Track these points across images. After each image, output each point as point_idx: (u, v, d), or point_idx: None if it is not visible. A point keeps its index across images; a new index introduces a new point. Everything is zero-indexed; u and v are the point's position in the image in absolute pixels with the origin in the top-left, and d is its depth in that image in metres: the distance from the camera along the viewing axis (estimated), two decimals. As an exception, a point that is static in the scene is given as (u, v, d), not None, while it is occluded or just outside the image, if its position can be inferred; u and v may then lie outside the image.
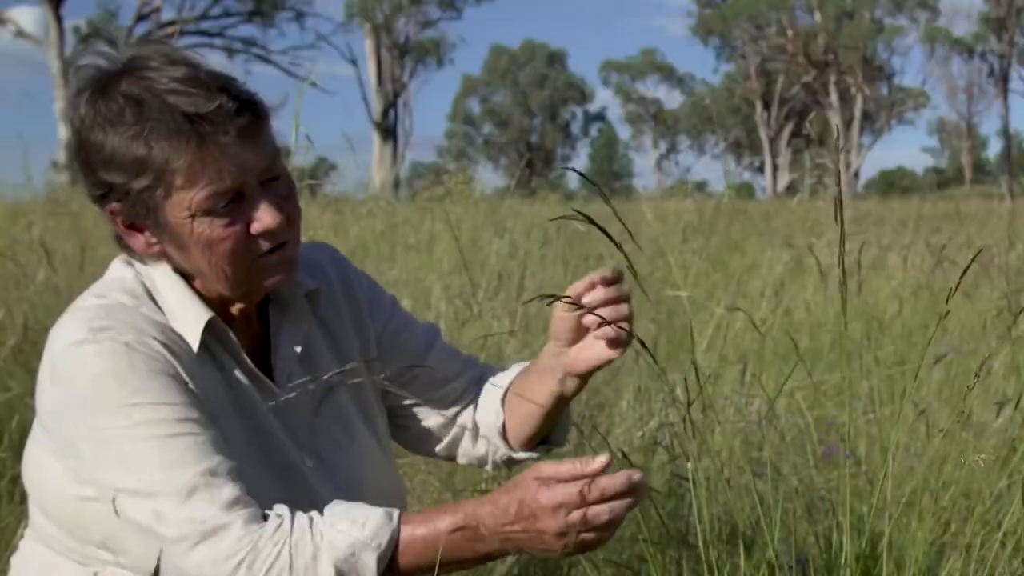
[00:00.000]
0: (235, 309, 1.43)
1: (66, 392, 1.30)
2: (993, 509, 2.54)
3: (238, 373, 1.41)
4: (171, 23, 36.91)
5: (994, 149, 70.14)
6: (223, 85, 1.32)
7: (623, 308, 1.40)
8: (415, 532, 1.26)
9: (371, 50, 44.55)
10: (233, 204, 1.32)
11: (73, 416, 1.29)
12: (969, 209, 10.14)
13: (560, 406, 1.55)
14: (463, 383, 1.64)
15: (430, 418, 1.64)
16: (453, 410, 1.64)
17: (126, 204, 1.33)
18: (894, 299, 4.87)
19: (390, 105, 44.26)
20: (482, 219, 7.05)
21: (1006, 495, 2.65)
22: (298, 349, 1.48)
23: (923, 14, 49.62)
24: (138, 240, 1.37)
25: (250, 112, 1.33)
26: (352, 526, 1.24)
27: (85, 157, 1.33)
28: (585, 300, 1.39)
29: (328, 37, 57.83)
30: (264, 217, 1.34)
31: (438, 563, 1.24)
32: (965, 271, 1.44)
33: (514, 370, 1.63)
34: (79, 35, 36.43)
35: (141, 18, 36.86)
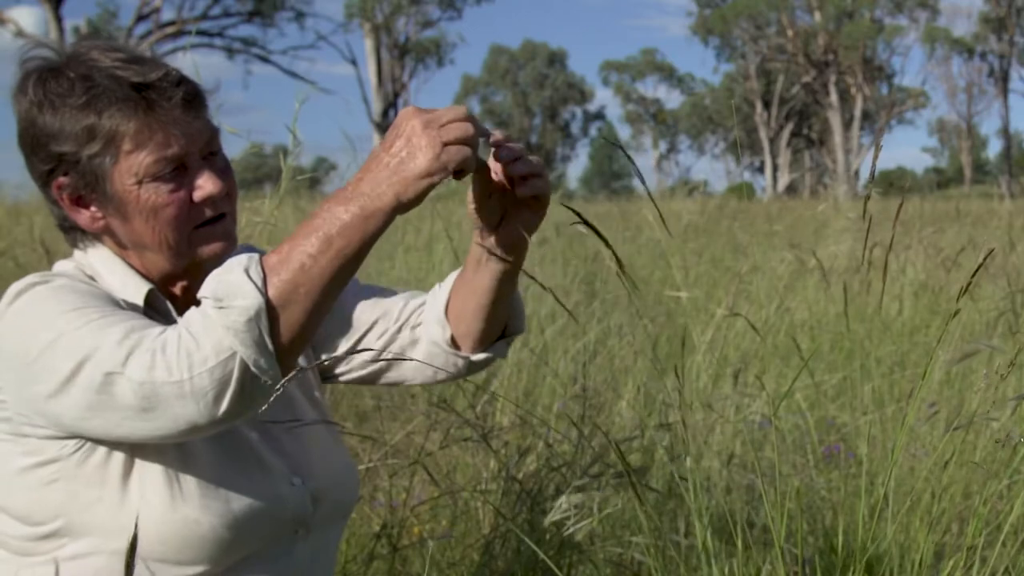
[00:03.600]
0: (177, 290, 1.48)
1: (7, 333, 1.32)
2: (995, 510, 2.54)
3: None
4: (171, 23, 36.92)
5: (994, 149, 70.19)
6: (164, 63, 1.41)
7: (533, 161, 1.38)
8: (280, 247, 1.25)
9: (371, 50, 44.56)
10: (177, 172, 1.39)
11: (18, 348, 1.30)
12: (969, 209, 10.14)
13: (508, 287, 1.52)
14: (395, 311, 1.64)
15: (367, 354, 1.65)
16: (387, 336, 1.64)
17: (74, 175, 1.39)
18: (895, 300, 4.87)
19: (390, 105, 44.27)
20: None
21: (1007, 495, 2.65)
22: None
23: (923, 14, 49.63)
24: (83, 216, 1.42)
25: (191, 85, 1.41)
26: (212, 275, 1.24)
27: (34, 136, 1.39)
28: (500, 156, 1.35)
29: (328, 37, 57.84)
30: (207, 184, 1.40)
31: (319, 254, 1.22)
32: (975, 273, 1.44)
33: (448, 280, 1.60)
34: (79, 35, 36.36)
35: (141, 18, 36.85)
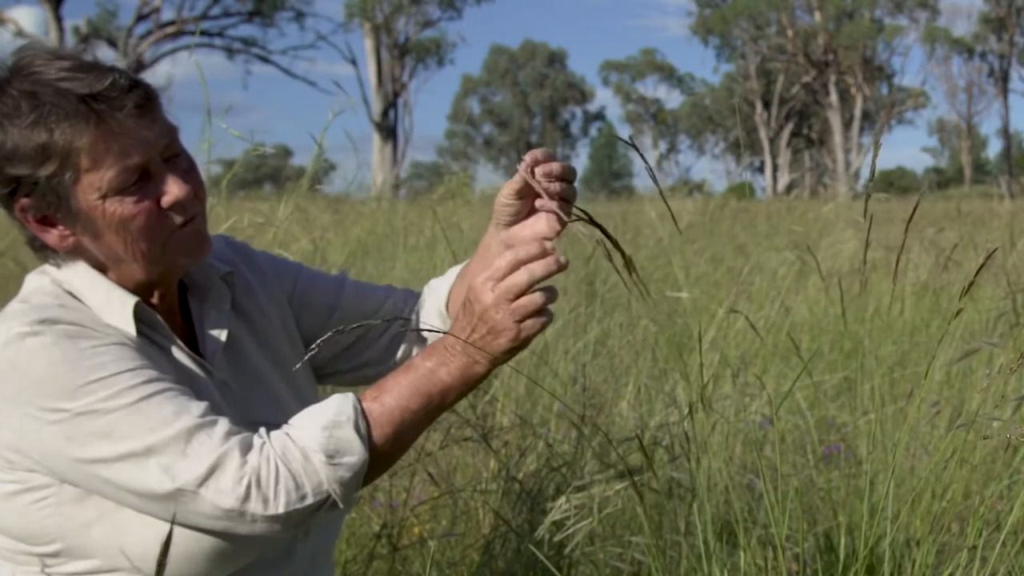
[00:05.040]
0: (155, 299, 1.45)
1: (11, 385, 1.28)
2: (995, 510, 2.54)
3: (177, 353, 1.43)
4: (171, 23, 36.91)
5: (994, 149, 70.23)
6: (111, 67, 1.35)
7: (567, 187, 1.42)
8: (381, 397, 1.33)
9: (371, 50, 44.54)
10: (141, 182, 1.35)
11: (24, 407, 1.27)
12: (970, 209, 10.14)
13: None
14: (390, 305, 1.68)
15: (367, 354, 1.68)
16: (388, 335, 1.68)
17: (35, 197, 1.34)
18: (895, 300, 4.86)
19: (390, 105, 44.25)
20: (480, 221, 7.05)
21: (1007, 495, 2.65)
22: (224, 335, 1.50)
23: (923, 14, 49.64)
24: (51, 235, 1.38)
25: (142, 89, 1.35)
26: (315, 418, 1.30)
27: None
28: (538, 171, 1.38)
29: (328, 37, 57.87)
30: (173, 189, 1.36)
31: (419, 410, 1.32)
32: (978, 272, 1.44)
33: (451, 273, 1.66)
34: (79, 35, 36.42)
35: (141, 18, 36.85)
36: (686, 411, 1.98)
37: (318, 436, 1.28)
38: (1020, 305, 3.16)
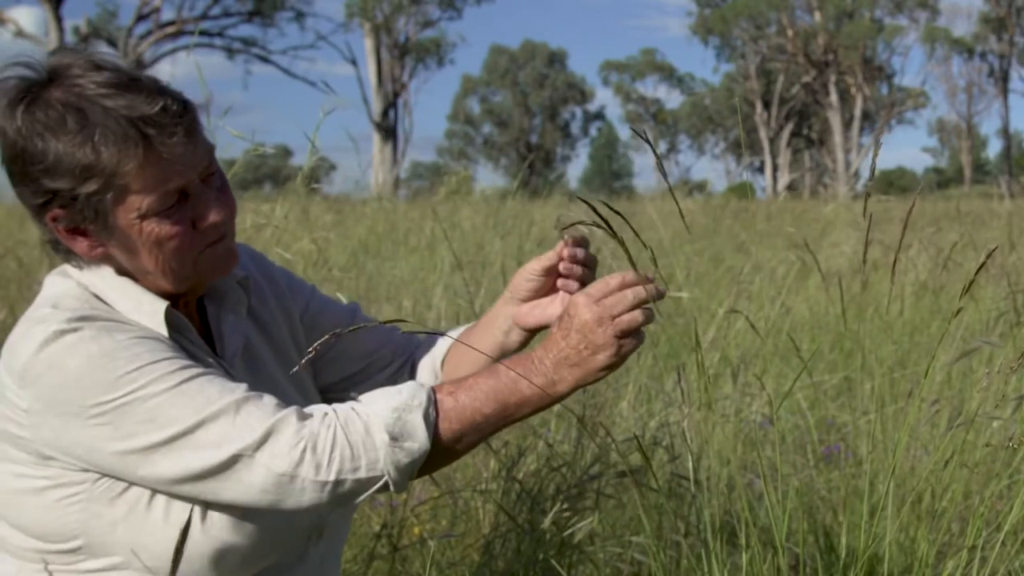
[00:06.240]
0: (179, 305, 1.46)
1: (50, 385, 1.28)
2: (995, 510, 2.54)
3: (203, 357, 1.44)
4: (171, 23, 36.92)
5: (994, 149, 70.26)
6: (160, 88, 1.35)
7: (588, 273, 1.52)
8: (457, 394, 1.34)
9: (371, 50, 44.54)
10: (179, 203, 1.36)
11: (63, 405, 1.27)
12: (969, 209, 10.14)
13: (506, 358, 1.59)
14: (391, 348, 1.71)
15: (364, 386, 1.67)
16: (386, 373, 1.70)
17: (71, 210, 1.33)
18: (895, 299, 4.86)
19: (390, 105, 44.25)
20: (482, 221, 7.05)
21: (1007, 495, 2.65)
22: (242, 339, 1.52)
23: (923, 14, 49.62)
24: (80, 244, 1.37)
25: (191, 114, 1.35)
26: (389, 398, 1.31)
27: (23, 167, 1.32)
28: (567, 254, 1.47)
29: (328, 37, 57.88)
30: (211, 213, 1.38)
31: (491, 415, 1.33)
32: (978, 271, 1.45)
33: (453, 333, 1.70)
34: (79, 35, 36.41)
35: (141, 18, 36.84)
36: (686, 410, 1.99)
37: (386, 415, 1.29)
38: (1020, 305, 3.16)
